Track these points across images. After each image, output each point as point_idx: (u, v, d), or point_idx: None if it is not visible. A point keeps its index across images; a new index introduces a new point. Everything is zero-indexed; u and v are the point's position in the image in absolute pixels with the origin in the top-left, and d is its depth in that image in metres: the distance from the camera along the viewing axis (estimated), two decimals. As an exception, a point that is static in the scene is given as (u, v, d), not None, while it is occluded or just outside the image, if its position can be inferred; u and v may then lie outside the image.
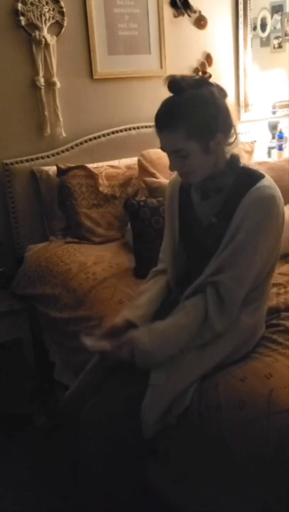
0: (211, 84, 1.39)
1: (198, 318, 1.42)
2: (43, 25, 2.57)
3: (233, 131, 1.43)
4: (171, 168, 1.43)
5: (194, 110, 1.33)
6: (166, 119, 1.36)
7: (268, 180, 1.42)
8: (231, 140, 1.43)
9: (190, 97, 1.34)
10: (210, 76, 1.40)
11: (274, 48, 3.60)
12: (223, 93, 1.40)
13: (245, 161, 1.57)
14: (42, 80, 2.61)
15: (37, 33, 2.55)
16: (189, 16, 3.09)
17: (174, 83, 1.35)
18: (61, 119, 2.70)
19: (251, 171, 1.46)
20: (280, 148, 3.45)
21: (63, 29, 2.65)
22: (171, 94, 1.39)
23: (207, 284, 1.43)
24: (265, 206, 1.37)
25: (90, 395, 1.48)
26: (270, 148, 3.53)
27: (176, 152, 1.38)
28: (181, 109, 1.34)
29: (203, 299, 1.43)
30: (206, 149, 1.37)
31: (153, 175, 2.60)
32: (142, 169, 2.66)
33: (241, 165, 1.47)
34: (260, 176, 1.42)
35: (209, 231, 1.47)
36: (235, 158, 1.46)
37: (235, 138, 1.44)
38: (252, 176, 1.42)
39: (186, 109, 1.33)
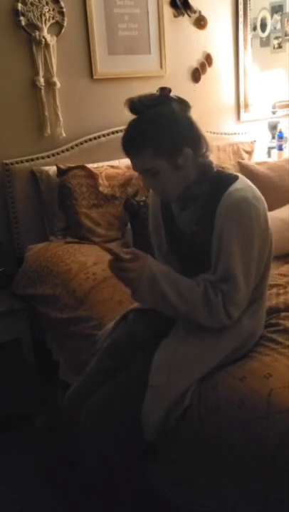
0: (171, 100, 1.39)
1: (204, 295, 1.39)
2: (43, 26, 2.57)
3: (202, 142, 1.41)
4: (146, 186, 1.43)
5: (156, 129, 1.34)
6: (131, 141, 1.38)
7: (240, 183, 1.40)
8: (202, 151, 1.42)
9: (150, 117, 1.35)
10: (169, 90, 1.40)
11: (274, 48, 3.60)
12: (185, 106, 1.40)
13: (230, 163, 1.54)
14: (42, 80, 2.61)
15: (37, 33, 2.56)
16: (189, 16, 3.09)
17: (133, 106, 1.37)
18: (61, 119, 2.70)
19: (224, 175, 1.44)
20: (280, 148, 3.44)
21: (63, 29, 2.65)
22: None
23: (215, 286, 1.41)
24: (240, 211, 1.35)
25: (90, 397, 1.48)
26: (270, 148, 3.52)
27: (147, 171, 1.40)
28: (143, 131, 1.35)
29: (213, 292, 1.40)
30: (175, 165, 1.37)
31: (153, 175, 2.59)
32: (142, 169, 2.66)
33: (215, 170, 1.46)
34: (233, 179, 1.41)
35: (193, 240, 1.47)
36: (206, 166, 1.44)
37: (206, 148, 1.43)
38: (225, 180, 1.41)
39: (148, 129, 1.35)
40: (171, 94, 1.41)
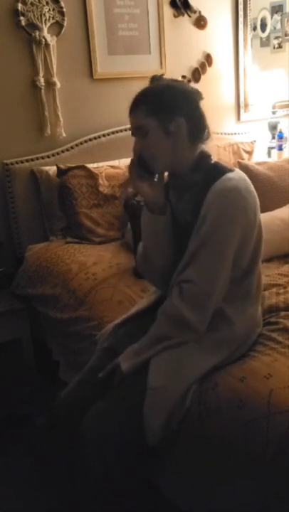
0: (188, 84, 1.49)
1: (168, 322, 1.44)
2: (43, 26, 2.57)
3: (204, 129, 1.45)
4: (135, 149, 1.46)
5: (159, 92, 1.42)
6: (134, 101, 1.45)
7: (234, 174, 1.41)
8: (201, 136, 1.45)
9: (160, 84, 1.45)
10: (190, 80, 1.48)
11: (274, 48, 3.60)
12: (198, 94, 1.46)
13: (224, 159, 1.57)
14: (42, 80, 2.61)
15: (37, 33, 2.56)
16: (189, 16, 3.09)
17: (154, 76, 1.49)
18: (61, 119, 2.71)
19: (220, 167, 1.45)
20: (280, 149, 3.44)
21: (63, 29, 2.65)
22: None
23: (174, 285, 1.43)
24: (227, 198, 1.36)
25: (87, 398, 1.48)
26: (270, 148, 3.52)
27: (138, 129, 1.43)
28: (148, 92, 1.44)
29: (170, 302, 1.43)
30: (165, 130, 1.40)
31: (153, 175, 2.59)
32: (142, 169, 2.66)
33: (212, 161, 1.47)
34: (228, 170, 1.42)
35: (187, 230, 1.46)
36: (204, 155, 1.46)
37: (207, 136, 1.47)
38: (219, 171, 1.42)
39: (151, 92, 1.44)
40: None
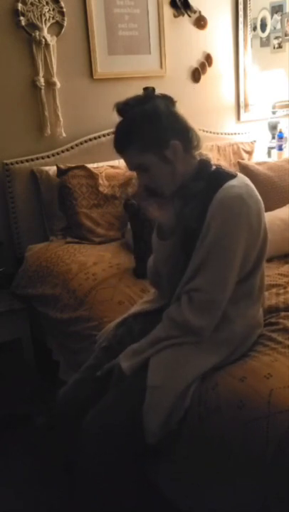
0: (154, 97, 1.43)
1: (173, 326, 1.44)
2: (43, 26, 2.58)
3: (192, 134, 1.43)
4: (142, 184, 1.47)
5: (139, 126, 1.39)
6: (119, 142, 1.44)
7: (237, 180, 1.41)
8: (194, 143, 1.44)
9: (134, 116, 1.40)
10: (153, 89, 1.46)
11: (274, 48, 3.60)
12: (169, 102, 1.44)
13: (220, 163, 1.56)
14: (42, 80, 2.61)
15: (37, 33, 2.56)
16: (189, 16, 3.09)
17: (119, 108, 1.43)
18: (61, 119, 2.71)
19: (221, 173, 1.45)
20: (280, 149, 3.44)
21: (63, 29, 2.65)
22: None
23: (182, 293, 1.44)
24: (230, 206, 1.36)
25: (85, 397, 1.48)
26: (270, 149, 3.52)
27: (138, 167, 1.44)
28: (128, 130, 1.41)
29: (178, 307, 1.44)
30: (163, 159, 1.40)
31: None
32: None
33: (213, 168, 1.47)
34: (230, 177, 1.42)
35: (193, 236, 1.46)
36: (204, 163, 1.46)
37: (197, 140, 1.45)
38: (221, 178, 1.42)
39: (131, 127, 1.40)
40: (157, 92, 1.45)
